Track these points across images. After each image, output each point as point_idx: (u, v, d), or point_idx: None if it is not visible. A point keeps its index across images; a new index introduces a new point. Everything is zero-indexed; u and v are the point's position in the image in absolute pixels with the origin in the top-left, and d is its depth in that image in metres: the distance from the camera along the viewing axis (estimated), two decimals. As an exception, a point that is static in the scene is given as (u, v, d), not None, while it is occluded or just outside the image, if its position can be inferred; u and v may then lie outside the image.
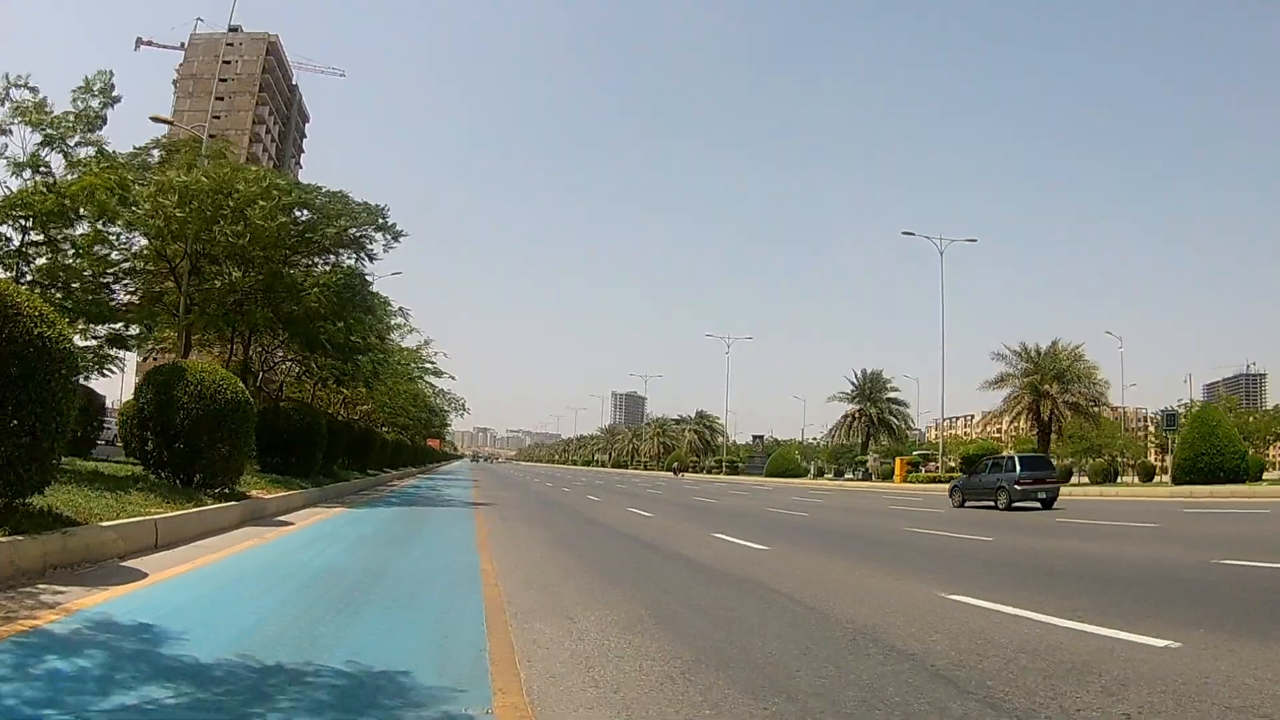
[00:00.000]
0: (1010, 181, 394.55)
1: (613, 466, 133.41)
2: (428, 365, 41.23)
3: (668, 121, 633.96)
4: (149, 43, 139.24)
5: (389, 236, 21.55)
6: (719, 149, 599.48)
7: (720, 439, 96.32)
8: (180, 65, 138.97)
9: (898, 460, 54.93)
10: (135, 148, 21.08)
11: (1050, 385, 41.48)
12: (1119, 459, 66.33)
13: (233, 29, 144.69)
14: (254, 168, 21.01)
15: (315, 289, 18.72)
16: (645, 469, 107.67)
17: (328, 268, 21.49)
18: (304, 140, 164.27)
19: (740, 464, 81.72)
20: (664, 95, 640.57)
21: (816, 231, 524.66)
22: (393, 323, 33.59)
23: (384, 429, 49.95)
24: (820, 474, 73.49)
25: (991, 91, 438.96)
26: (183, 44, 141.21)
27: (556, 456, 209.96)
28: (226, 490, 12.84)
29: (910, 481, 48.92)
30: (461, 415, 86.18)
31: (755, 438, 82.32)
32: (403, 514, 15.82)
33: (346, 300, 20.70)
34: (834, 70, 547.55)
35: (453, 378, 45.36)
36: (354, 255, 21.97)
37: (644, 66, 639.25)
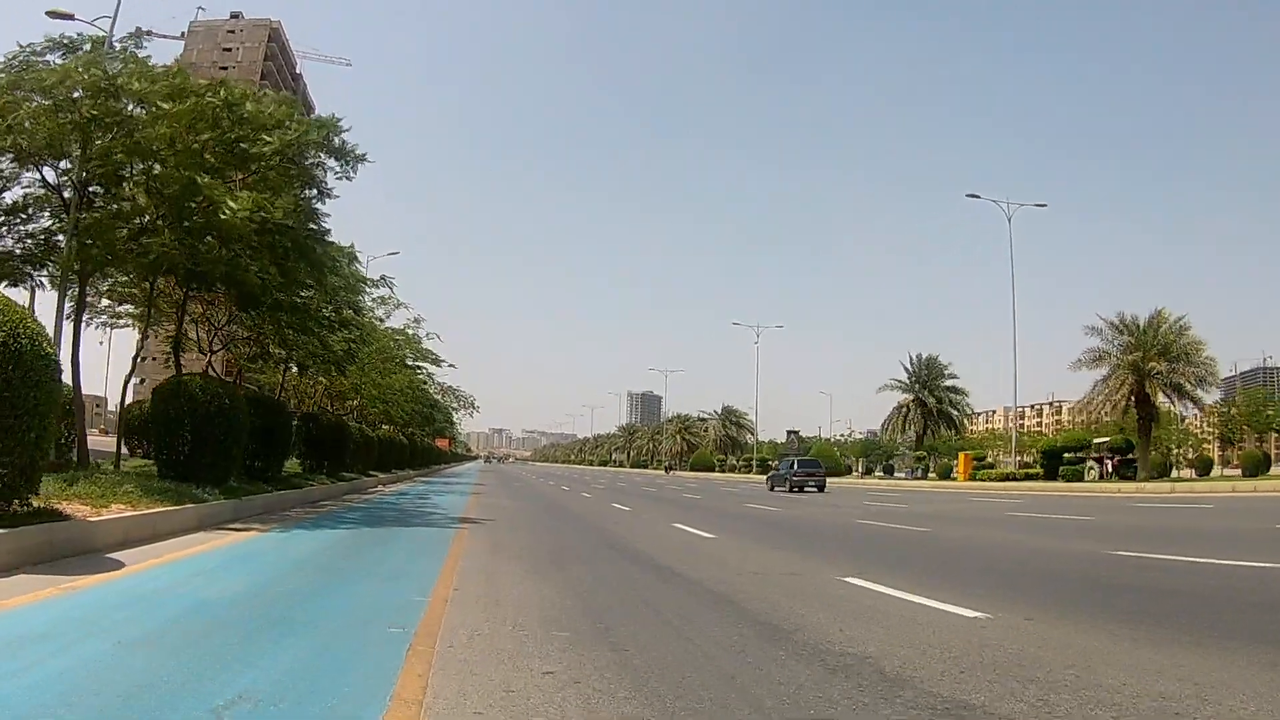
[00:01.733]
0: (1012, 180, 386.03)
1: (632, 466, 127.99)
2: (424, 351, 35.93)
3: (676, 119, 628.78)
4: (149, 33, 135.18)
5: (345, 163, 16.34)
6: (725, 147, 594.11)
7: (748, 436, 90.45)
8: (180, 55, 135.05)
9: (961, 456, 49.24)
10: (19, 44, 16.06)
11: (1157, 363, 35.58)
12: (1176, 452, 60.34)
13: (234, 15, 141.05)
14: (162, 66, 15.66)
15: (242, 211, 13.36)
16: (667, 469, 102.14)
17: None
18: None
19: (773, 462, 75.91)
20: (672, 93, 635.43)
21: (823, 228, 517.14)
22: (374, 294, 28.39)
23: (384, 428, 44.84)
24: (869, 472, 67.73)
25: (991, 90, 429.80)
26: (183, 33, 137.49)
27: (573, 456, 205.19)
28: (26, 506, 7.64)
29: (980, 479, 43.24)
30: (471, 414, 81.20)
31: (790, 433, 76.47)
32: (339, 544, 10.46)
33: (291, 244, 15.37)
34: (838, 68, 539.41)
35: (452, 366, 39.99)
36: (304, 188, 16.76)
37: (650, 64, 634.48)
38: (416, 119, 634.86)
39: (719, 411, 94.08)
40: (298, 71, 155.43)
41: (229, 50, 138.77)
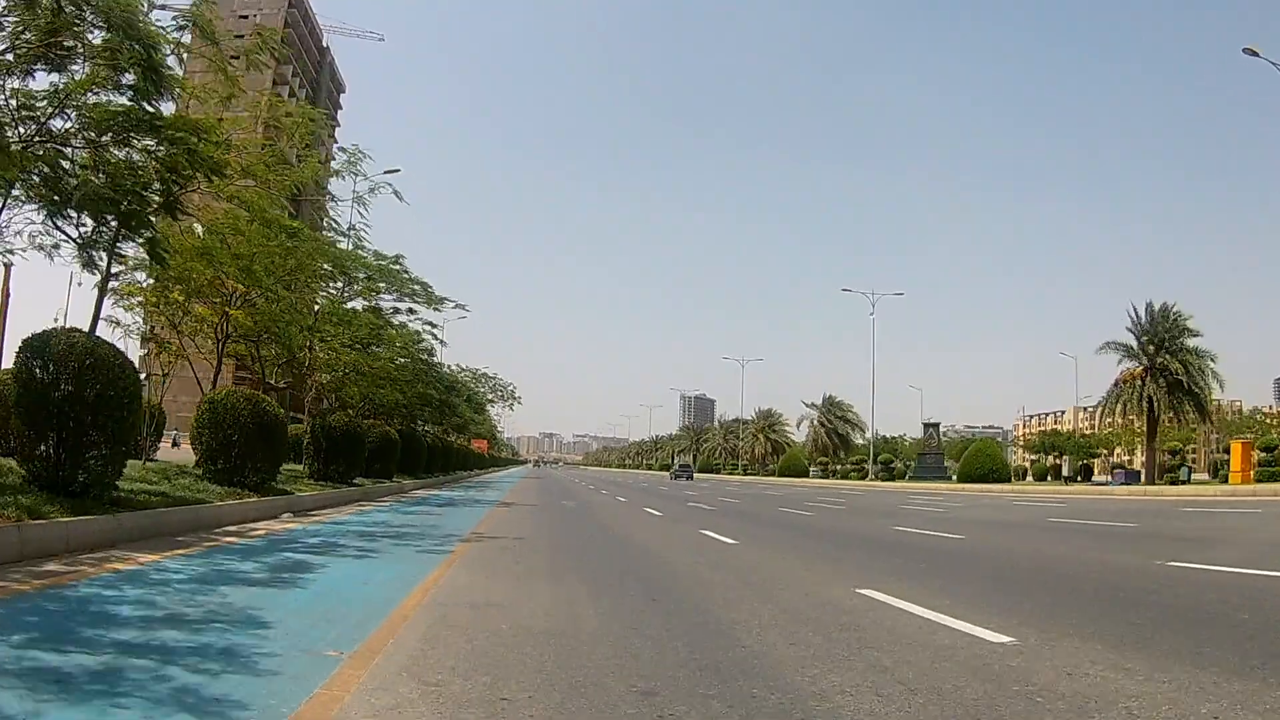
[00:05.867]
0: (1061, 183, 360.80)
1: (699, 471, 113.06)
2: (406, 279, 21.66)
3: (734, 115, 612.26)
4: (163, 6, 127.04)
5: None
6: (786, 144, 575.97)
7: (857, 434, 74.62)
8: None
9: (1238, 445, 33.17)
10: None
11: None
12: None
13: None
14: None
15: None
16: (745, 473, 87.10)
17: None
18: (339, 112, 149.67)
19: (898, 464, 60.39)
20: (730, 86, 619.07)
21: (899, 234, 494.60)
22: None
23: (425, 427, 30.99)
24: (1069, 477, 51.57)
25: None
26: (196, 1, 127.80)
27: (628, 461, 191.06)
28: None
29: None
30: (512, 406, 67.43)
31: (927, 426, 60.14)
32: None
33: None
34: (890, 62, 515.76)
35: (462, 308, 25.39)
36: None
37: (708, 54, 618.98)
38: (467, 103, 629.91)
39: (818, 404, 78.01)
40: (324, 45, 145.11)
41: (245, 17, 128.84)
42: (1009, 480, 46.38)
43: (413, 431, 32.49)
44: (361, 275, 21.26)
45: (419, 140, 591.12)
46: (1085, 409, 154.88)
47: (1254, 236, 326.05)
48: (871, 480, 56.06)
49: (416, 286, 21.91)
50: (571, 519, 16.57)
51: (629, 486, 42.89)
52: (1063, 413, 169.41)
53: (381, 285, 21.22)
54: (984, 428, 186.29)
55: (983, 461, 46.26)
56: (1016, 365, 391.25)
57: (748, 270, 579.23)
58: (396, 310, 23.13)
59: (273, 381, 22.40)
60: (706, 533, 13.11)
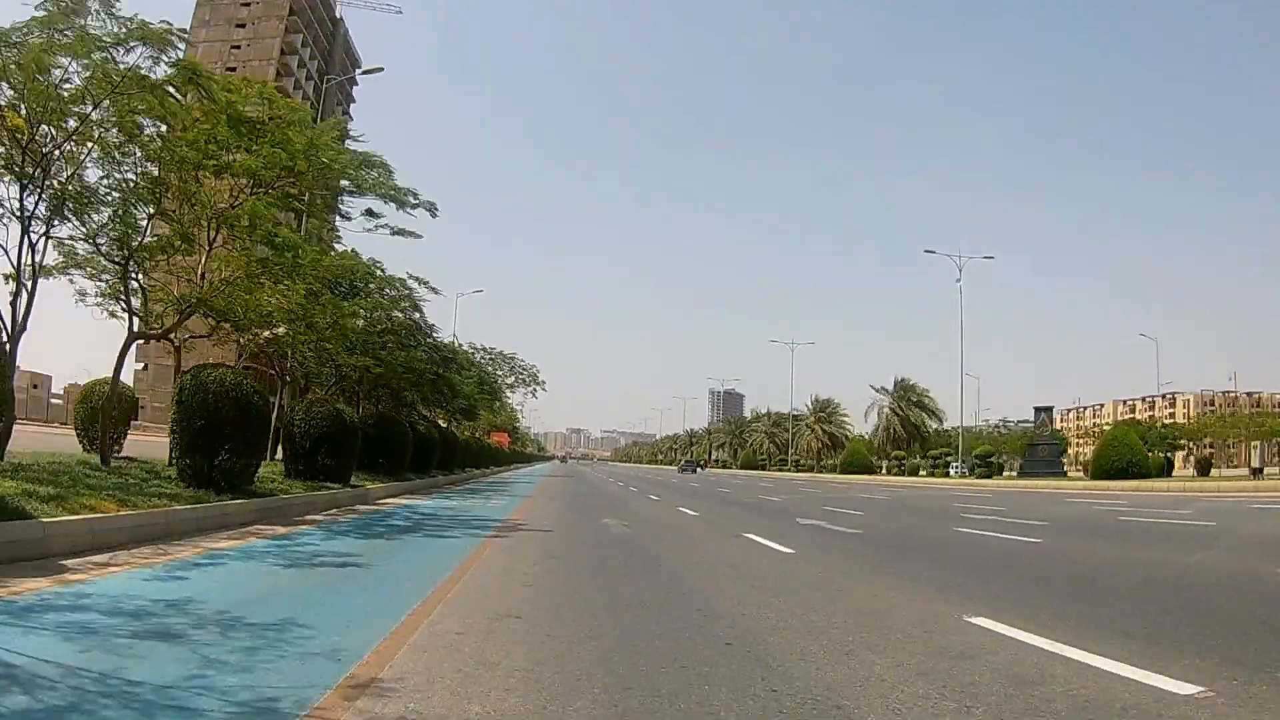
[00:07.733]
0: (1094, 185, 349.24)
1: (741, 467, 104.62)
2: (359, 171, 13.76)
3: (761, 112, 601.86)
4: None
5: None
6: (811, 141, 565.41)
7: (933, 422, 65.64)
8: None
9: None
10: None
11: None
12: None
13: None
14: None
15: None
16: (797, 469, 78.71)
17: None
18: (354, 87, 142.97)
19: (1001, 459, 51.58)
20: (759, 83, 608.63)
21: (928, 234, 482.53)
22: None
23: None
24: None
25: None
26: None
27: (660, 456, 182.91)
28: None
29: None
30: (535, 393, 60.20)
31: (1039, 410, 50.81)
32: None
33: None
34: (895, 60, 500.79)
35: (433, 210, 17.17)
36: None
37: (731, 56, 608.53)
38: (491, 95, 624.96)
39: (889, 388, 68.49)
40: (338, 15, 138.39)
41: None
42: (1150, 475, 37.65)
43: (391, 417, 24.46)
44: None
45: (436, 126, 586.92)
46: (1124, 401, 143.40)
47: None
48: (962, 478, 47.42)
49: (378, 172, 13.90)
50: (643, 580, 8.32)
51: (680, 489, 34.52)
52: (1101, 406, 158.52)
53: (323, 161, 13.26)
54: (1018, 422, 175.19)
55: (1121, 453, 37.45)
56: (1039, 358, 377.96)
57: (767, 264, 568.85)
58: (346, 215, 15.21)
59: (147, 326, 14.57)
60: (990, 627, 4.99)
